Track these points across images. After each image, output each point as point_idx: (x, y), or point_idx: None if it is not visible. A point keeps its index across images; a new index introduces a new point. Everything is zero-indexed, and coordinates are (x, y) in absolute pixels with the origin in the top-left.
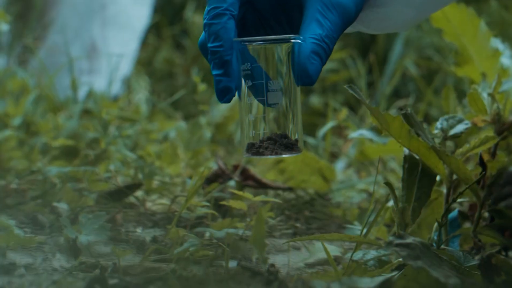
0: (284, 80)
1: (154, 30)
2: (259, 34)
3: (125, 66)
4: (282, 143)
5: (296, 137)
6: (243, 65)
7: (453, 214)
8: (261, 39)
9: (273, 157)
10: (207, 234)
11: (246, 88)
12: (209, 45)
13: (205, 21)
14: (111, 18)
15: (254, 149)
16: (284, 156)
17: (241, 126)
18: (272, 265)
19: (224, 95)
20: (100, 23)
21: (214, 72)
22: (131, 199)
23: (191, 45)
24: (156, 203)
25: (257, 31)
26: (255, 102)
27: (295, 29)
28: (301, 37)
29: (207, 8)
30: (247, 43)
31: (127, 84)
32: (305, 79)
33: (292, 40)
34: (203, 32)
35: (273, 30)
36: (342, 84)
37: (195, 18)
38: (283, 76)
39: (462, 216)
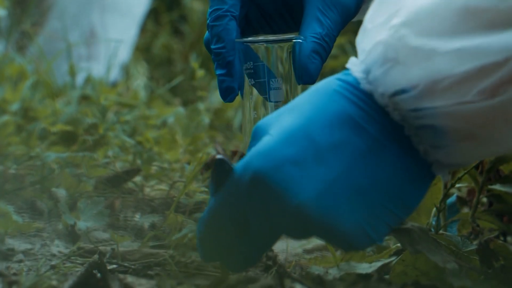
0: (286, 79)
1: (153, 16)
2: (263, 29)
3: (124, 52)
4: None
5: None
6: (245, 64)
7: (452, 199)
8: (262, 40)
9: None
10: None
11: (249, 86)
12: (212, 46)
13: (207, 21)
14: (110, 4)
15: None
16: None
17: (244, 125)
18: (271, 251)
19: (228, 94)
20: (99, 9)
21: (218, 72)
22: (130, 185)
23: (190, 31)
24: (155, 189)
25: (261, 26)
26: (258, 100)
27: (298, 24)
28: (302, 37)
29: (209, 10)
30: (249, 43)
31: (126, 70)
32: (306, 78)
33: (294, 40)
34: (207, 31)
35: (277, 24)
36: (341, 70)
37: (194, 4)
38: (285, 74)
39: (461, 201)
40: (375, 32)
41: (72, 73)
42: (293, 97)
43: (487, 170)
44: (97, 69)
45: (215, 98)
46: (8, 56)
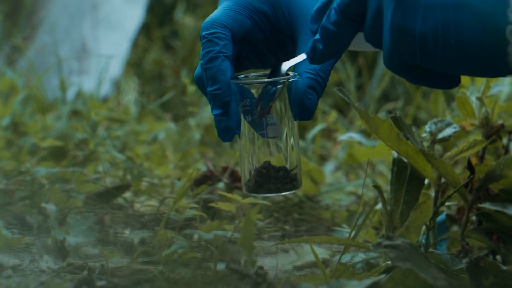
0: (282, 115)
1: (144, 31)
2: (255, 65)
3: (115, 67)
4: (281, 178)
5: (295, 171)
6: (242, 101)
7: (441, 217)
8: (259, 82)
9: (273, 195)
10: (196, 236)
11: (246, 124)
12: (208, 89)
13: (201, 62)
14: (102, 18)
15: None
16: (283, 194)
17: (241, 163)
18: (261, 268)
19: (226, 134)
20: (91, 23)
21: (214, 112)
22: (120, 200)
23: (181, 46)
24: (145, 205)
25: (253, 63)
26: (255, 137)
27: (289, 58)
28: (297, 74)
29: (201, 52)
30: (245, 84)
31: (117, 85)
32: (303, 114)
33: (290, 80)
34: (199, 66)
35: (268, 60)
36: (331, 87)
37: (185, 20)
38: (281, 110)
39: (450, 219)
40: None
41: (63, 87)
42: (289, 133)
43: (477, 189)
44: (88, 84)
45: (206, 113)
46: None
